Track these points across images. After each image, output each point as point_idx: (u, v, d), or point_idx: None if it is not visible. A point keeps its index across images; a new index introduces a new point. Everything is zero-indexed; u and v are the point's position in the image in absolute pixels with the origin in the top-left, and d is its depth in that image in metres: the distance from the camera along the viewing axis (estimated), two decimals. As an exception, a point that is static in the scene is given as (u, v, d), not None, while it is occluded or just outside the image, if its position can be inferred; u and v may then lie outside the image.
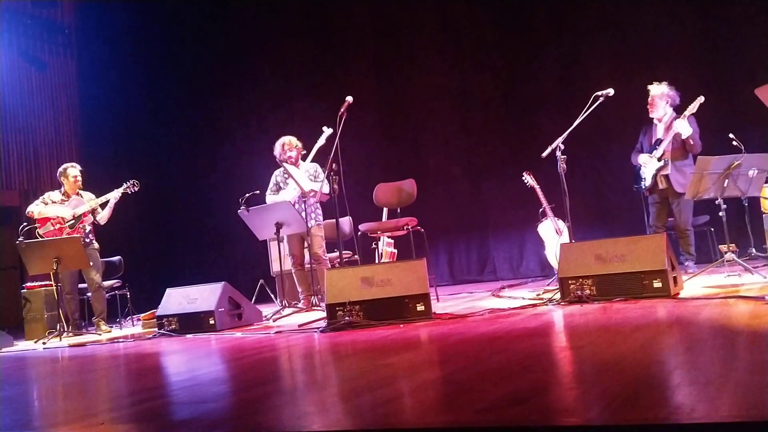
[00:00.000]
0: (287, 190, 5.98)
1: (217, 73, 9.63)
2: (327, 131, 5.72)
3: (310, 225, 5.89)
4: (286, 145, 6.01)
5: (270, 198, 6.05)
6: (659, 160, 5.53)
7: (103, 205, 6.42)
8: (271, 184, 6.14)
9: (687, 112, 5.40)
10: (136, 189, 6.49)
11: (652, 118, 5.72)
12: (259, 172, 7.64)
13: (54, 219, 6.26)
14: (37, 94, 9.45)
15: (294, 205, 5.78)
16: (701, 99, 5.37)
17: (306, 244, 5.96)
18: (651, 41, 7.20)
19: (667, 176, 5.51)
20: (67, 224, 6.26)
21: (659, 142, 5.57)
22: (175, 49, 9.84)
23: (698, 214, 6.16)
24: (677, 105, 5.63)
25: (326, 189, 5.60)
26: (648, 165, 5.62)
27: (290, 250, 6.03)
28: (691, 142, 5.39)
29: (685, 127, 5.36)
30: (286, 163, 5.98)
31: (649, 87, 5.66)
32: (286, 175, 6.03)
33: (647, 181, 5.62)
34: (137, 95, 9.98)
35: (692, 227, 5.64)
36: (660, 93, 5.61)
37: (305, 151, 6.04)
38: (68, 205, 6.32)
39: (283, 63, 9.32)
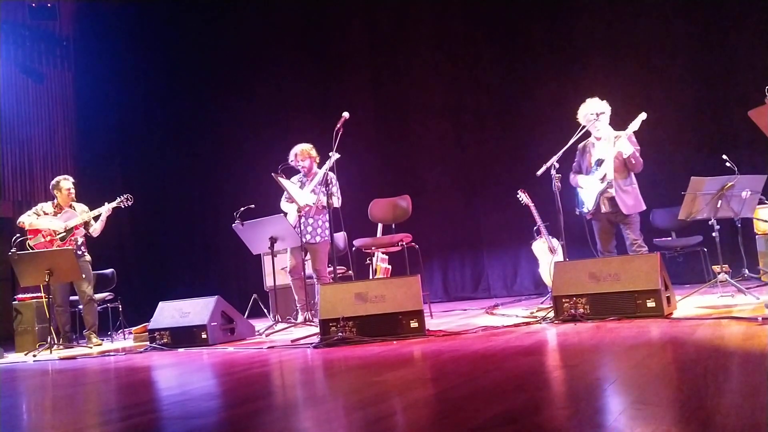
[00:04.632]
0: (300, 196, 5.87)
1: (214, 88, 9.67)
2: (334, 156, 5.50)
3: (315, 240, 5.87)
4: (299, 155, 5.95)
5: (283, 205, 6.02)
6: (602, 181, 5.14)
7: (96, 218, 6.41)
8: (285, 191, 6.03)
9: (629, 131, 5.03)
10: (130, 203, 6.48)
11: (585, 136, 5.29)
12: (254, 187, 7.65)
13: (45, 231, 6.24)
14: (33, 106, 9.47)
15: (300, 219, 5.75)
16: (643, 116, 5.00)
17: (306, 258, 5.93)
18: (646, 62, 7.27)
19: (611, 198, 5.12)
20: (58, 236, 6.24)
21: (600, 162, 5.17)
22: (172, 63, 9.89)
23: (691, 234, 6.19)
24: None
25: (335, 202, 5.49)
26: (589, 187, 5.22)
27: (292, 259, 5.97)
28: (633, 162, 5.02)
29: (627, 147, 4.99)
30: (300, 172, 5.97)
31: (590, 106, 5.20)
32: (300, 182, 5.99)
33: (589, 205, 5.21)
34: (133, 108, 10.01)
35: (645, 245, 5.21)
36: (605, 110, 5.19)
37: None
38: (60, 218, 6.30)
39: (280, 78, 9.37)
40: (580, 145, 5.36)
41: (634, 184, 5.15)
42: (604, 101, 5.22)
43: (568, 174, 5.43)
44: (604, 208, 5.17)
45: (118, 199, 6.43)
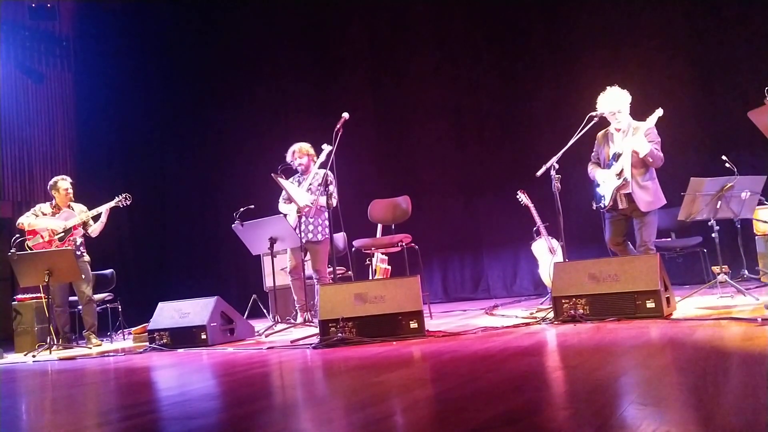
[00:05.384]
0: (300, 197, 5.89)
1: (213, 88, 9.67)
2: (327, 148, 5.53)
3: (317, 239, 5.87)
4: (297, 152, 5.96)
5: (281, 206, 6.03)
6: (618, 176, 4.96)
7: (95, 218, 6.41)
8: (283, 192, 6.03)
9: (644, 127, 4.87)
10: (128, 203, 6.47)
11: (603, 126, 5.13)
12: (253, 187, 7.65)
13: (44, 231, 6.23)
14: (33, 106, 9.46)
15: (300, 218, 5.76)
16: (660, 112, 4.85)
17: (306, 258, 5.94)
18: (645, 63, 7.27)
19: (628, 195, 4.94)
20: (56, 237, 6.24)
21: (617, 156, 4.97)
22: (172, 63, 9.89)
23: (691, 235, 6.19)
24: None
25: (333, 201, 5.48)
26: (606, 182, 5.04)
27: (292, 259, 5.97)
28: (650, 160, 4.84)
29: (642, 145, 4.82)
30: (297, 170, 6.00)
31: (609, 96, 5.01)
32: (297, 181, 6.00)
33: (606, 200, 5.02)
34: (133, 108, 10.01)
35: (655, 247, 5.05)
36: (627, 101, 5.00)
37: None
38: (58, 218, 6.30)
39: (279, 79, 9.37)
40: (600, 134, 5.18)
41: (653, 179, 4.96)
42: (625, 90, 5.03)
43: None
44: (621, 205, 5.00)
45: (117, 199, 6.42)
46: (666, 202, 5.08)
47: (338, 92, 8.89)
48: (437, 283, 8.45)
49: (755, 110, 4.55)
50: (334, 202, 5.52)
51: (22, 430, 2.60)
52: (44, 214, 6.32)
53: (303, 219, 5.81)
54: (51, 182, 6.47)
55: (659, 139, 4.95)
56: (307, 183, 5.89)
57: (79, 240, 6.36)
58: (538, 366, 2.89)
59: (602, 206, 5.09)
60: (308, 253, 5.97)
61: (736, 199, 4.77)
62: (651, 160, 4.87)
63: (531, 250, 6.52)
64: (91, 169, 9.50)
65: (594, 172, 5.19)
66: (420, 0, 8.71)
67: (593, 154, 5.27)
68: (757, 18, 6.79)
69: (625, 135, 4.99)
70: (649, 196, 4.93)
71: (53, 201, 6.42)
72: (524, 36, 8.11)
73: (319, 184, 5.81)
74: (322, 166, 5.63)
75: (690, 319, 3.86)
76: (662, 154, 4.91)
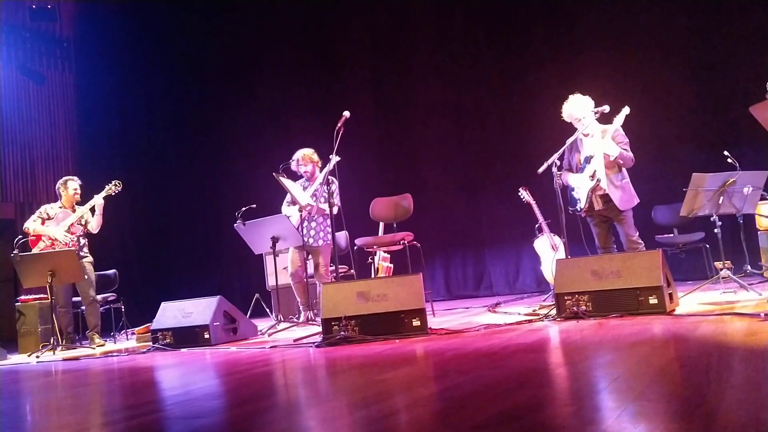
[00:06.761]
0: (302, 196, 5.91)
1: (214, 88, 9.67)
2: (335, 158, 5.45)
3: (318, 244, 5.89)
4: (301, 160, 6.01)
5: (284, 208, 6.05)
6: (591, 178, 5.04)
7: (92, 211, 6.40)
8: (288, 195, 6.06)
9: (613, 127, 4.96)
10: (119, 189, 6.46)
11: (573, 133, 5.17)
12: (255, 186, 7.66)
13: (46, 236, 6.24)
14: (34, 107, 9.47)
15: (303, 222, 5.77)
16: (626, 110, 4.94)
17: (308, 258, 5.95)
18: (646, 59, 7.27)
19: (602, 195, 5.04)
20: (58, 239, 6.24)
21: (589, 159, 5.07)
22: (172, 63, 9.89)
23: (693, 230, 6.19)
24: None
25: (334, 200, 5.44)
26: (580, 186, 5.12)
27: (292, 261, 5.99)
28: (620, 162, 4.96)
29: (612, 148, 4.92)
30: (303, 177, 6.03)
31: (572, 104, 5.11)
32: (303, 188, 6.01)
33: (582, 203, 5.11)
34: (134, 108, 10.02)
35: (641, 241, 5.09)
36: (590, 107, 5.05)
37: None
38: (56, 220, 6.30)
39: (280, 78, 9.37)
40: (568, 143, 5.22)
41: (626, 178, 5.06)
42: (586, 97, 5.10)
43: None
44: (597, 206, 5.09)
45: (107, 188, 6.41)
46: (639, 201, 5.12)
47: (339, 91, 8.88)
48: (439, 280, 8.45)
49: (756, 105, 4.55)
50: (336, 200, 5.54)
51: (27, 431, 2.61)
52: (49, 217, 6.32)
53: (305, 223, 5.84)
54: (60, 181, 6.48)
55: (627, 140, 5.05)
56: (312, 189, 5.91)
57: (83, 241, 6.37)
58: (541, 363, 2.89)
59: (578, 209, 5.17)
60: (309, 254, 6.00)
61: (739, 195, 4.77)
62: (621, 162, 4.98)
63: (533, 247, 6.53)
64: (92, 170, 9.48)
65: (566, 177, 5.24)
66: (420, -2, 8.70)
67: (564, 162, 5.31)
68: (757, 13, 6.77)
69: (595, 138, 5.05)
70: (624, 194, 5.03)
71: (60, 201, 6.43)
72: (525, 33, 8.11)
73: (321, 184, 5.83)
74: (330, 174, 5.59)
75: (693, 314, 3.85)
76: (632, 154, 5.00)
